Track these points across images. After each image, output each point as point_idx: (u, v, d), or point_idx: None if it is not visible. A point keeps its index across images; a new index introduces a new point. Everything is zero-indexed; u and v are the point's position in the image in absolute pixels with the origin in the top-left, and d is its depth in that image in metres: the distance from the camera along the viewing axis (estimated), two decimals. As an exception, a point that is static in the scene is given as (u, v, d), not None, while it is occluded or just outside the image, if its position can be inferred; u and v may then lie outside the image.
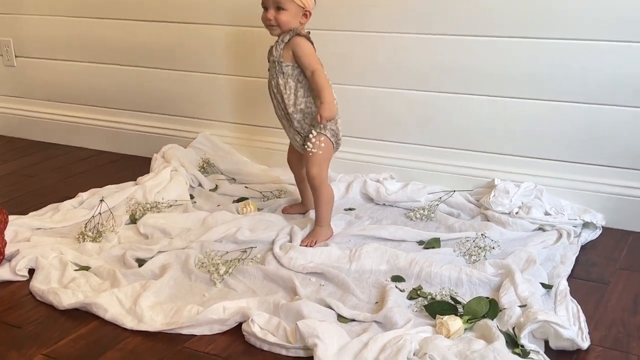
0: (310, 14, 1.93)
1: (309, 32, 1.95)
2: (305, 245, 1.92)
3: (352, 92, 2.36)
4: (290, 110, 1.95)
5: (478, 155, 2.25)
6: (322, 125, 1.94)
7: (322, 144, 1.94)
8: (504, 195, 2.10)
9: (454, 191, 2.21)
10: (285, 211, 2.17)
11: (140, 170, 2.55)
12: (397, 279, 1.75)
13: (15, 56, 3.04)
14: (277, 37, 1.95)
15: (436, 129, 2.28)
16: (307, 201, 2.14)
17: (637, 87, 1.97)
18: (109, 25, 2.77)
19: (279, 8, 1.90)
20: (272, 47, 1.97)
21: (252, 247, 1.93)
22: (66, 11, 2.85)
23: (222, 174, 2.49)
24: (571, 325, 1.51)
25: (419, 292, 1.67)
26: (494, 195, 2.10)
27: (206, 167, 2.51)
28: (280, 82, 1.93)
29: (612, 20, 1.95)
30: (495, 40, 2.12)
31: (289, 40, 1.91)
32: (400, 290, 1.68)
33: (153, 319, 1.60)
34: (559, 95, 2.08)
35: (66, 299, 1.67)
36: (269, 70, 1.98)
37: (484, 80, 2.17)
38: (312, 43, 1.94)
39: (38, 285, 1.75)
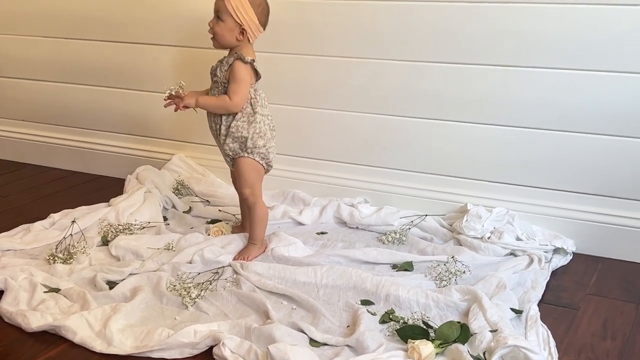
0: (246, 32, 1.92)
1: (254, 60, 1.95)
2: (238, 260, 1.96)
3: (328, 115, 2.38)
4: (223, 131, 1.96)
5: (451, 180, 2.27)
6: (249, 150, 1.96)
7: (248, 166, 1.98)
8: (477, 220, 2.12)
9: (426, 215, 2.23)
10: (233, 232, 2.18)
11: (114, 191, 2.53)
12: (366, 302, 1.75)
13: (-10, 75, 3.02)
14: (222, 56, 1.97)
15: (410, 154, 2.30)
16: (245, 221, 2.16)
17: (607, 115, 2.01)
18: (83, 46, 2.76)
19: (218, 18, 1.92)
20: (215, 66, 1.99)
21: (223, 267, 1.93)
22: (41, 31, 2.84)
23: (196, 196, 2.48)
24: (541, 350, 1.52)
25: (391, 316, 1.67)
26: (467, 220, 2.12)
27: (180, 189, 2.50)
28: None
29: (582, 49, 1.99)
30: (469, 67, 2.15)
31: (232, 61, 1.93)
32: (372, 314, 1.69)
33: (123, 342, 1.58)
34: (532, 122, 2.11)
35: (35, 321, 1.65)
36: (210, 88, 2.00)
37: (457, 106, 2.19)
38: (256, 71, 1.95)
39: (6, 307, 1.72)
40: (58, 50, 2.83)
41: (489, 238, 2.06)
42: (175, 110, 1.97)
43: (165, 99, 1.97)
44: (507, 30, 2.07)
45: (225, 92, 1.94)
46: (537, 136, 2.12)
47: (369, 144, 2.36)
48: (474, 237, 2.08)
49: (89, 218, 2.23)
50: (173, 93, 1.94)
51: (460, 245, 2.08)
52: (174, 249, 2.05)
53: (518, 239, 2.07)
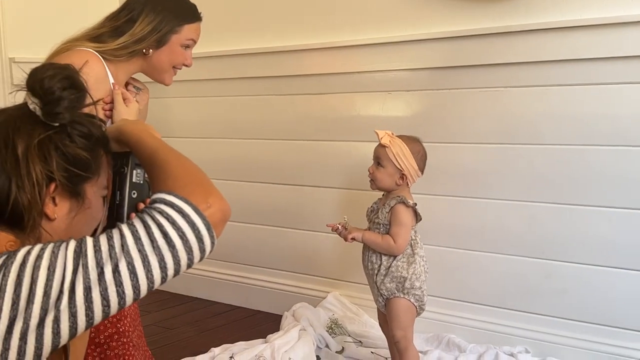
0: (406, 177, 1.96)
1: (416, 204, 1.97)
2: None
3: (485, 258, 2.33)
4: (383, 271, 1.96)
5: (622, 332, 2.10)
6: (406, 290, 1.93)
7: (403, 308, 1.94)
8: (653, 379, 1.92)
9: (595, 371, 2.06)
10: None
11: (271, 327, 2.59)
12: None
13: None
14: (377, 198, 2.01)
15: (574, 302, 2.17)
16: None
17: None
18: (252, 188, 2.96)
19: (379, 164, 1.97)
20: (372, 208, 2.03)
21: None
22: (218, 175, 3.08)
23: (349, 335, 2.47)
24: None
25: None
26: (641, 379, 1.93)
27: (334, 328, 2.51)
28: None
29: None
30: (634, 213, 2.03)
31: (394, 204, 1.95)
32: None
33: None
34: None
35: None
36: (369, 229, 2.02)
37: (626, 253, 2.07)
38: (417, 214, 1.97)
39: None
40: (228, 192, 3.03)
41: (668, 401, 1.85)
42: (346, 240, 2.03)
43: (332, 230, 2.04)
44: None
45: (387, 233, 1.97)
46: None
47: (529, 289, 2.25)
48: (651, 399, 1.87)
49: (246, 354, 2.29)
50: (339, 227, 2.01)
51: (635, 407, 1.88)
52: (324, 391, 2.04)
53: None
